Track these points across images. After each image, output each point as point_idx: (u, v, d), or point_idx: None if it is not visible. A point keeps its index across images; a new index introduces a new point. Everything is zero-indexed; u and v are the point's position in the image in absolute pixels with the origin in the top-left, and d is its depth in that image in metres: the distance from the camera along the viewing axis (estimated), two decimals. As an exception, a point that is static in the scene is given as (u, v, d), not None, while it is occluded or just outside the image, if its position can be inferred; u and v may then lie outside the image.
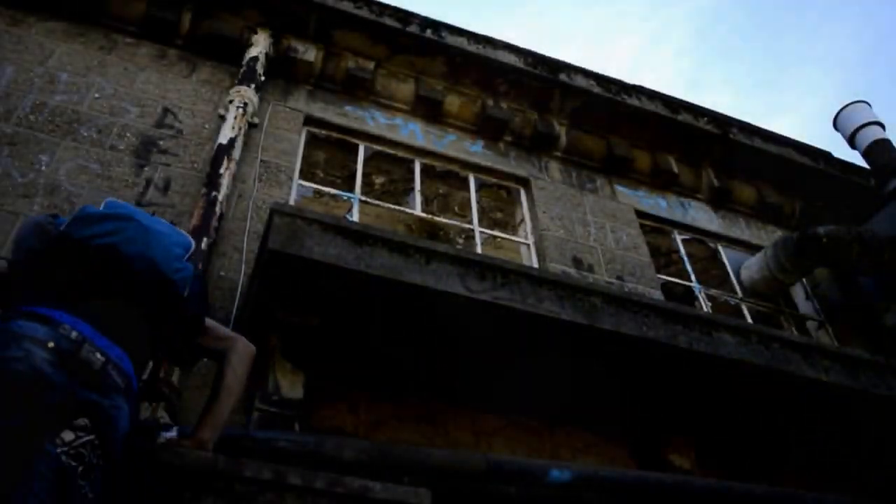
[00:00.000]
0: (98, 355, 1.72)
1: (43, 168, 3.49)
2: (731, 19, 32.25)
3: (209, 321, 2.24)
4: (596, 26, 33.64)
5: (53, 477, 1.57)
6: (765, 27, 32.32)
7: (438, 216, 5.24)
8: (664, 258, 5.55)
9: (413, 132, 4.88)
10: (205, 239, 3.30)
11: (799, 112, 34.59)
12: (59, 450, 1.60)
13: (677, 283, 5.07)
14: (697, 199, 5.59)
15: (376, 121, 4.81)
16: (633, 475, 3.03)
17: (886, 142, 5.97)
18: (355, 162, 4.65)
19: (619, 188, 5.29)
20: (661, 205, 5.38)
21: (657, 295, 4.45)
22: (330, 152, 5.00)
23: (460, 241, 6.16)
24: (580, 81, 5.36)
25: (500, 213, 5.60)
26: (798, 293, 5.50)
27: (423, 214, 4.78)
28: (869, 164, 5.99)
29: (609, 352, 3.18)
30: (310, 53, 4.73)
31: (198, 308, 2.13)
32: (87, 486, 1.64)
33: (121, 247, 1.97)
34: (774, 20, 31.86)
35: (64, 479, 1.59)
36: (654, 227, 5.27)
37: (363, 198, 4.48)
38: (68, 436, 1.62)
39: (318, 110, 4.64)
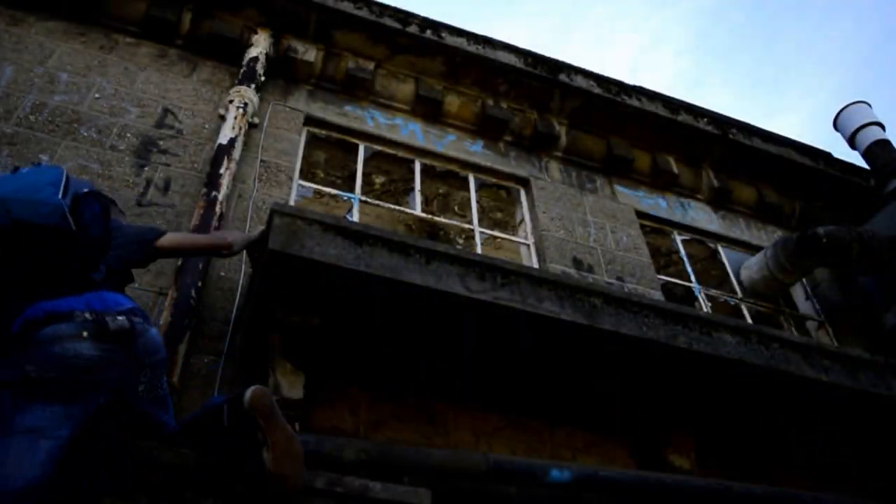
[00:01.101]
0: None
1: (43, 168, 3.48)
2: (731, 19, 32.28)
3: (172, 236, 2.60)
4: (596, 26, 33.67)
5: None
6: (765, 27, 32.36)
7: (438, 216, 5.24)
8: (664, 259, 5.56)
9: (413, 132, 4.88)
10: (205, 239, 3.30)
11: (799, 112, 34.64)
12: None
13: (677, 284, 5.07)
14: (697, 200, 5.59)
15: (376, 121, 4.81)
16: (633, 475, 3.04)
17: (886, 142, 5.98)
18: (355, 162, 4.65)
19: (619, 188, 5.29)
20: (661, 205, 5.38)
21: (657, 295, 4.45)
22: (330, 152, 5.00)
23: (460, 241, 6.16)
24: (580, 81, 5.36)
25: (500, 213, 5.60)
26: (798, 293, 5.50)
27: (423, 214, 4.78)
28: (869, 164, 5.99)
29: (609, 352, 3.18)
30: (310, 53, 4.73)
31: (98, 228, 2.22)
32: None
33: None
34: (774, 20, 31.89)
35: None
36: (654, 227, 5.27)
37: (363, 198, 4.47)
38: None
39: (318, 110, 4.64)
